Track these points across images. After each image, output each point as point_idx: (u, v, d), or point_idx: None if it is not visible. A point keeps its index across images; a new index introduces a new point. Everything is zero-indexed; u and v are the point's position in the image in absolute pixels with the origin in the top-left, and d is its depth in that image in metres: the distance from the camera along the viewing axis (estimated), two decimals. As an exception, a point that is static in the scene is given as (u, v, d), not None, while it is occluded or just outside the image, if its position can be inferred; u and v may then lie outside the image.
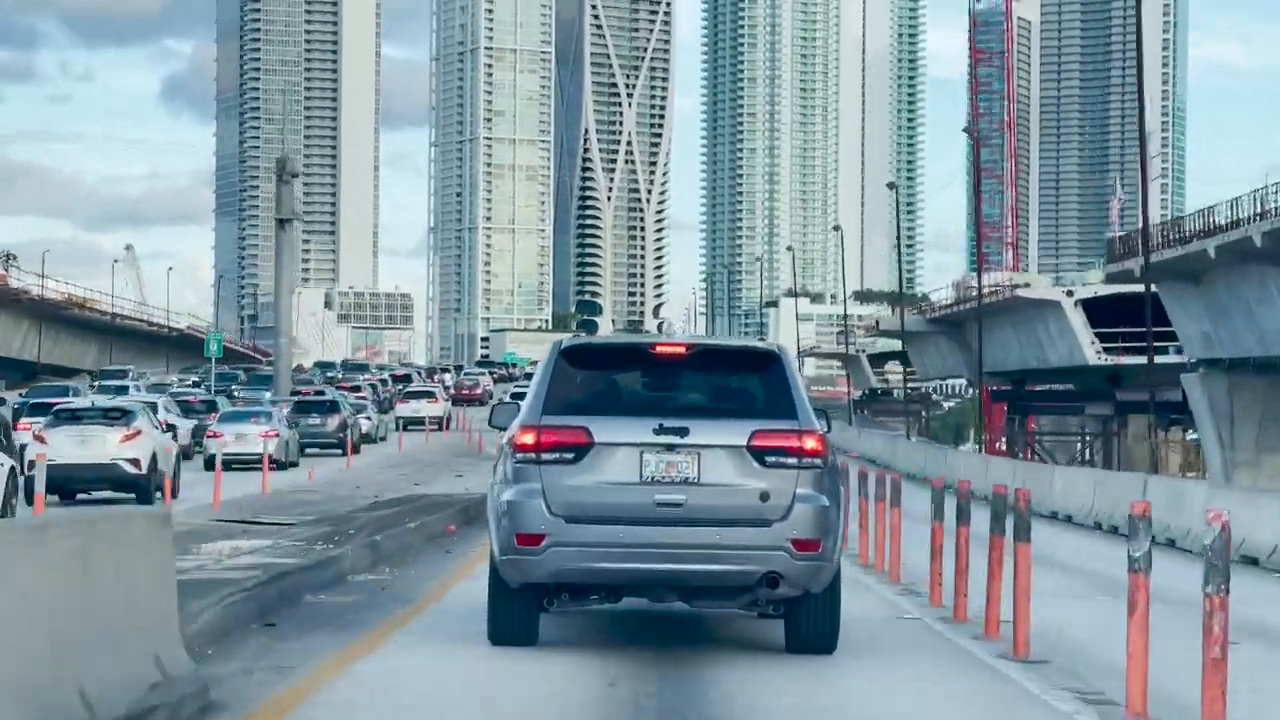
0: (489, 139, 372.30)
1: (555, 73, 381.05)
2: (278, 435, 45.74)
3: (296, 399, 57.89)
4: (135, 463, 31.89)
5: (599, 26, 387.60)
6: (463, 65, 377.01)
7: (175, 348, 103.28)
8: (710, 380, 13.13)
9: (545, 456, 12.31)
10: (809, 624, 12.94)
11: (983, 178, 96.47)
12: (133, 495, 32.09)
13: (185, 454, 44.59)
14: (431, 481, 40.53)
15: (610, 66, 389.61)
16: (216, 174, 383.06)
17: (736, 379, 13.12)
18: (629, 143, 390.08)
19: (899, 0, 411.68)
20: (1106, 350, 76.97)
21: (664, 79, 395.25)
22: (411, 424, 70.09)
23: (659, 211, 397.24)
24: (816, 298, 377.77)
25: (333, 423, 53.88)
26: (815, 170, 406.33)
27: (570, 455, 12.30)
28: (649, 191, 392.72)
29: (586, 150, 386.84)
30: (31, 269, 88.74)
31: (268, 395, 67.16)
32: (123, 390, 58.94)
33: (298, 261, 62.53)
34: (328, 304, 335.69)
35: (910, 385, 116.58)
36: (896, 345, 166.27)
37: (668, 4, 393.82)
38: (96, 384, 68.48)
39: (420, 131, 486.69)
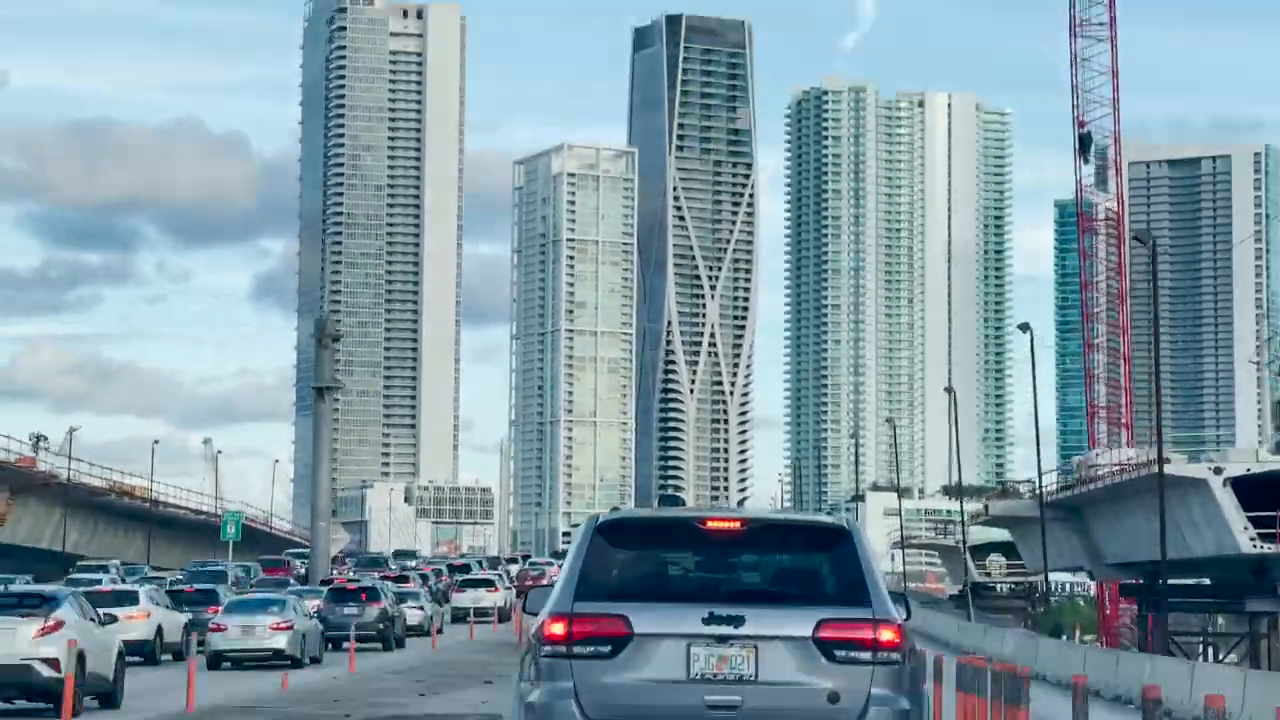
0: (570, 331, 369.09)
1: (637, 265, 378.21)
2: (291, 627, 39.56)
3: (329, 587, 50.86)
4: (52, 663, 24.56)
5: (681, 218, 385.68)
6: (544, 257, 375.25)
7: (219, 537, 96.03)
8: (770, 561, 11.39)
9: (578, 649, 10.78)
10: None
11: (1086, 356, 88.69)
12: (49, 704, 25.16)
13: (177, 651, 40.40)
14: (450, 689, 31.77)
15: (693, 258, 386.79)
16: (297, 369, 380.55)
17: (800, 559, 11.35)
18: (712, 335, 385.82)
19: (985, 193, 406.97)
20: (1262, 537, 66.16)
21: (747, 271, 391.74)
22: (474, 614, 64.36)
23: (743, 403, 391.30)
24: (904, 492, 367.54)
25: (372, 612, 47.84)
26: (901, 363, 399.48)
27: (607, 648, 10.76)
28: (732, 383, 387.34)
29: (669, 342, 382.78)
30: (127, 468, 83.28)
31: (291, 583, 62.82)
32: (96, 580, 52.41)
33: (328, 430, 56.23)
34: (407, 499, 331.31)
35: (1014, 580, 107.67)
36: (999, 535, 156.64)
37: (751, 196, 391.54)
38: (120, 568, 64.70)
39: (502, 327, 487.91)
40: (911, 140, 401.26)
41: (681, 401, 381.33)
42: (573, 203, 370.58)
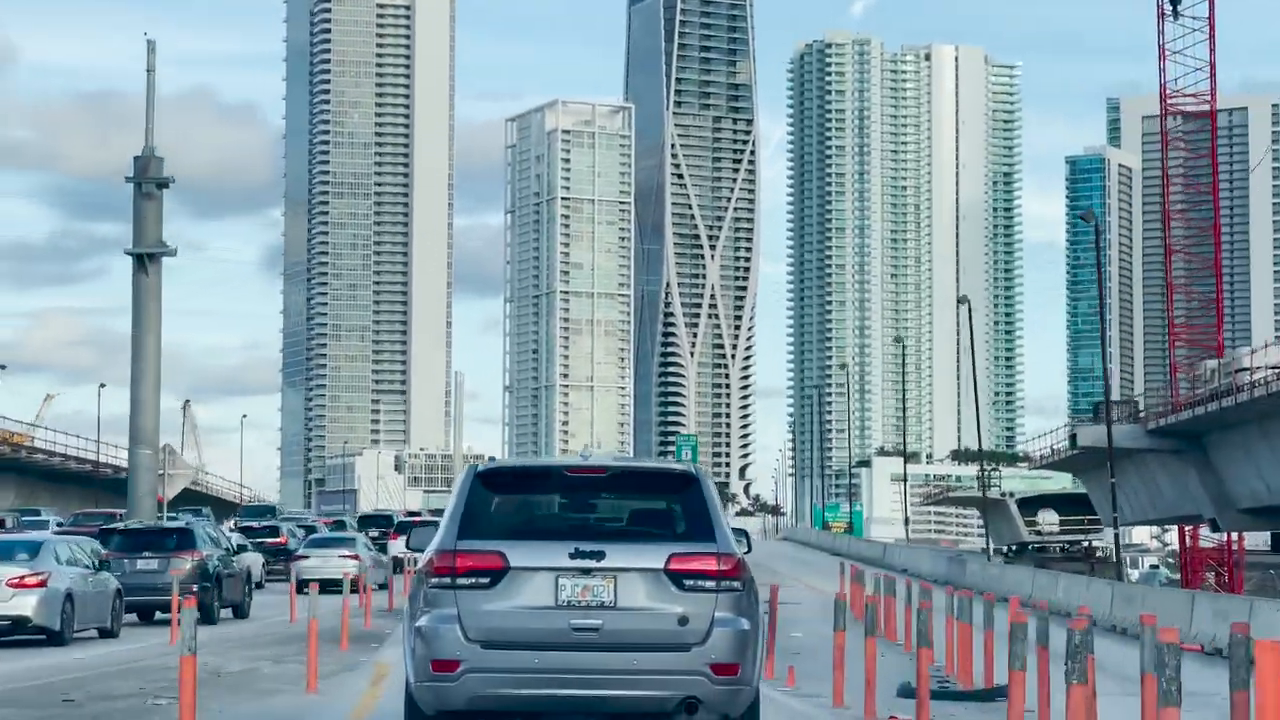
0: (566, 293, 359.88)
1: (635, 225, 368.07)
2: (44, 584, 28.30)
3: (115, 530, 37.63)
4: None
5: (680, 176, 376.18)
6: (539, 217, 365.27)
7: (111, 490, 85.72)
8: (627, 503, 13.15)
9: (461, 581, 12.36)
10: None
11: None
12: None
13: None
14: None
15: (693, 218, 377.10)
16: (283, 337, 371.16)
17: (654, 501, 13.05)
18: (712, 297, 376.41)
19: (993, 149, 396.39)
20: None
21: (749, 231, 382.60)
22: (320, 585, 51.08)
23: (745, 368, 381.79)
24: (911, 457, 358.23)
25: (182, 566, 34.59)
26: (908, 325, 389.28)
27: (486, 580, 12.36)
28: (734, 347, 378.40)
29: (668, 305, 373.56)
30: (121, 439, 74.60)
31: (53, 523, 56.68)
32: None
33: (159, 308, 45.16)
34: (398, 466, 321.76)
35: (1070, 539, 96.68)
36: (1053, 487, 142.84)
37: (752, 154, 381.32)
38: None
39: (495, 297, 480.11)
40: (918, 95, 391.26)
41: (682, 366, 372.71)
42: (567, 161, 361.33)
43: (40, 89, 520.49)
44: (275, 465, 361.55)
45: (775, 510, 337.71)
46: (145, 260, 49.39)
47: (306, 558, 49.29)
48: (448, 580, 12.38)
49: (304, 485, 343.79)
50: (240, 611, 37.94)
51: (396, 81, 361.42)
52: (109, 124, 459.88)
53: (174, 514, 59.27)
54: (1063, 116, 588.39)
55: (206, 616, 33.70)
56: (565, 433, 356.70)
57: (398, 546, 55.78)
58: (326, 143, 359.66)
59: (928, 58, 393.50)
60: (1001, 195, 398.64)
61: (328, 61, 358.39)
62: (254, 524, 63.61)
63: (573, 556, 12.36)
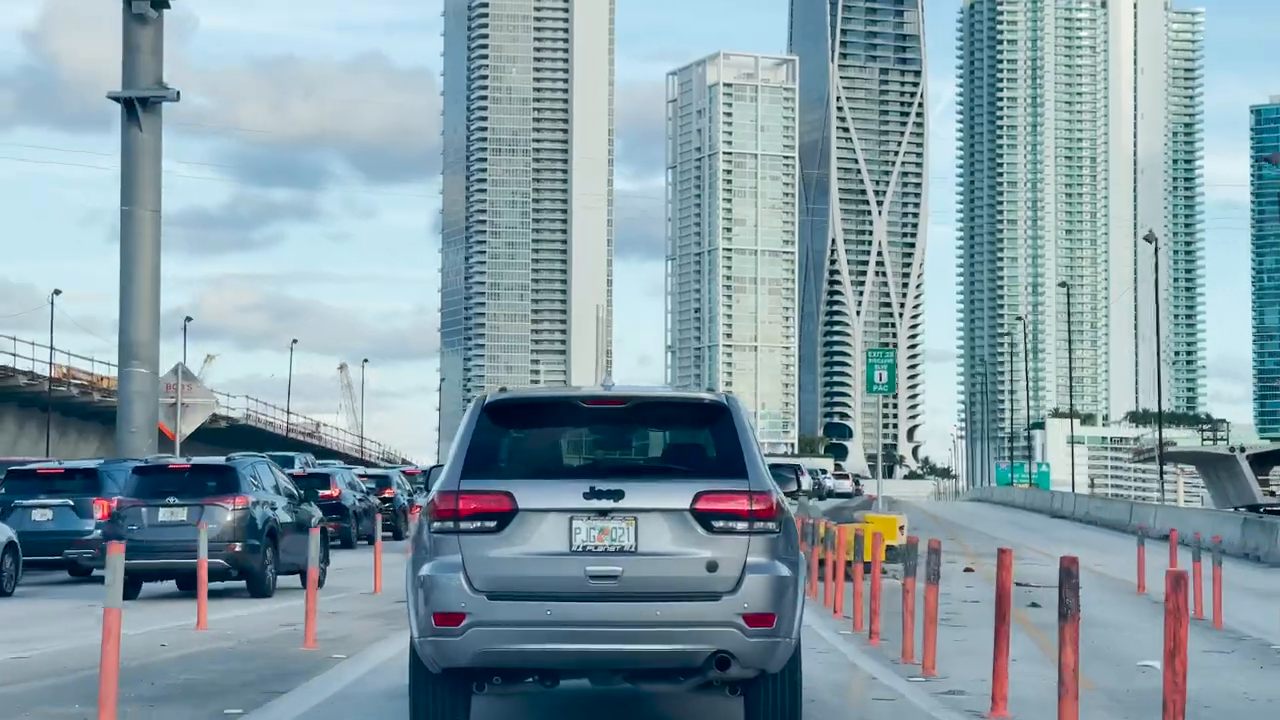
0: (729, 250, 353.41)
1: (799, 180, 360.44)
2: None
3: (140, 468, 27.79)
4: None
5: (845, 130, 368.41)
6: (700, 173, 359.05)
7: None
8: (651, 437, 12.23)
9: (465, 525, 11.09)
10: (768, 706, 11.69)
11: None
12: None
13: None
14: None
15: (859, 173, 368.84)
16: (442, 300, 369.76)
17: (680, 435, 11.97)
18: (879, 255, 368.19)
19: (1173, 99, 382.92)
20: None
21: (917, 186, 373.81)
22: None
23: (913, 327, 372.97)
24: (1087, 419, 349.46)
25: (219, 517, 26.03)
26: (1083, 284, 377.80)
27: (493, 523, 11.06)
28: (902, 306, 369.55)
29: (834, 264, 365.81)
30: (301, 405, 68.23)
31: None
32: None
33: (158, 173, 37.04)
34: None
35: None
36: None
37: (920, 106, 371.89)
38: None
39: (656, 259, 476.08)
40: (1094, 44, 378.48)
41: (848, 326, 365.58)
42: (730, 115, 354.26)
43: (216, 56, 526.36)
44: (434, 428, 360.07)
45: (946, 473, 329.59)
46: (138, 107, 38.20)
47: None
48: (451, 524, 11.12)
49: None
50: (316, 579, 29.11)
51: (555, 36, 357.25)
52: (285, 90, 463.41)
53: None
54: (1246, 65, 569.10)
55: (256, 587, 26.23)
56: (728, 387, 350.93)
57: None
58: (484, 100, 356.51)
59: (1104, 5, 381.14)
60: (1182, 147, 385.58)
61: (485, 17, 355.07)
62: (297, 470, 46.78)
63: (588, 496, 11.05)
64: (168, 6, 38.63)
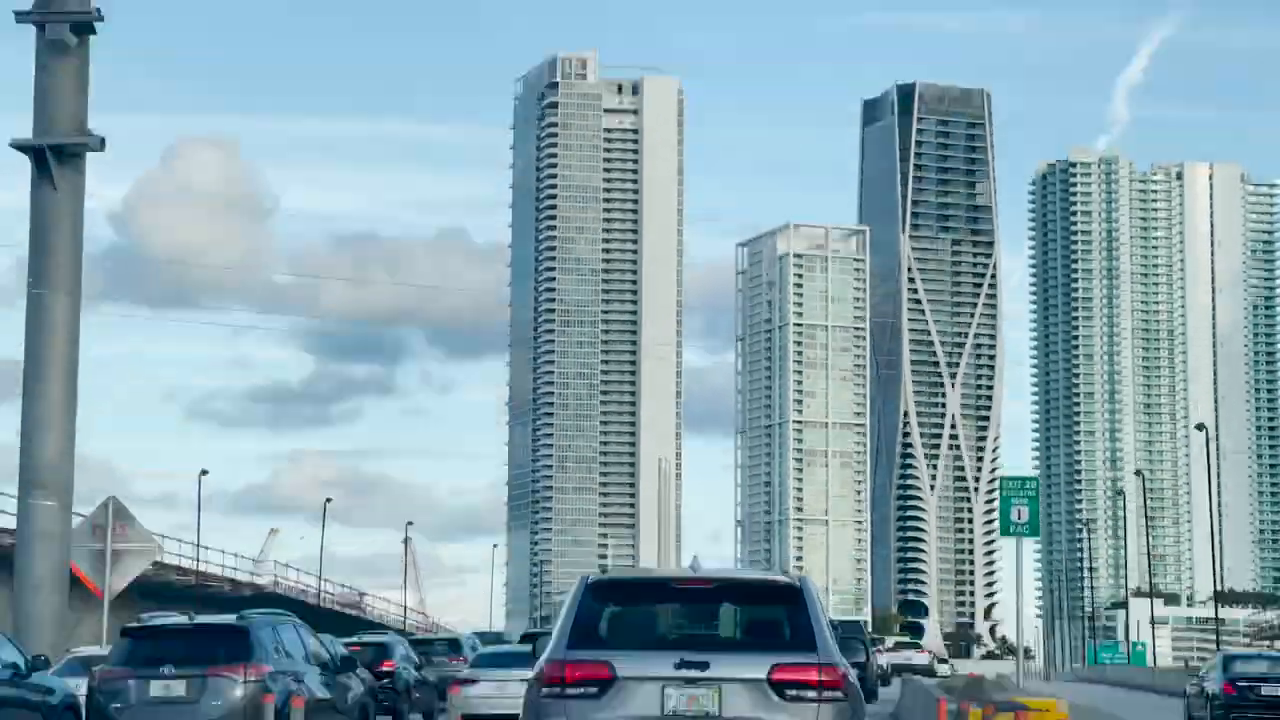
0: (799, 423, 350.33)
1: (870, 352, 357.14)
2: None
3: (132, 629, 22.58)
4: None
5: (917, 301, 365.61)
6: (770, 344, 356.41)
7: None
8: (732, 614, 13.58)
9: (570, 690, 12.80)
10: None
11: None
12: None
13: None
14: None
15: (931, 344, 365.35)
16: (509, 477, 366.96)
17: (759, 612, 13.51)
18: (953, 427, 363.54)
19: (1252, 272, 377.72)
20: None
21: (990, 358, 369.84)
22: None
23: (989, 502, 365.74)
24: (1171, 599, 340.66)
25: (225, 691, 20.98)
26: (1164, 460, 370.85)
27: (595, 689, 12.77)
28: (976, 480, 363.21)
29: (906, 436, 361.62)
30: (373, 584, 64.60)
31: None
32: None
33: (78, 240, 23.80)
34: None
35: None
36: None
37: (993, 277, 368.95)
38: None
39: (725, 435, 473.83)
40: (1170, 216, 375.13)
41: (921, 500, 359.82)
42: (800, 286, 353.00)
43: (297, 234, 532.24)
44: (502, 604, 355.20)
45: (1026, 653, 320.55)
46: (50, 159, 29.97)
47: (474, 682, 34.35)
48: (558, 690, 12.81)
49: (530, 623, 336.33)
50: None
51: (625, 208, 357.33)
52: (363, 267, 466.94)
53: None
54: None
55: None
56: (800, 568, 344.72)
57: None
58: (552, 271, 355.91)
59: (1179, 176, 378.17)
60: (1263, 320, 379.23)
61: (554, 190, 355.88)
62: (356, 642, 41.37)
63: (678, 666, 12.73)
64: (93, 32, 30.76)
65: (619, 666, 12.67)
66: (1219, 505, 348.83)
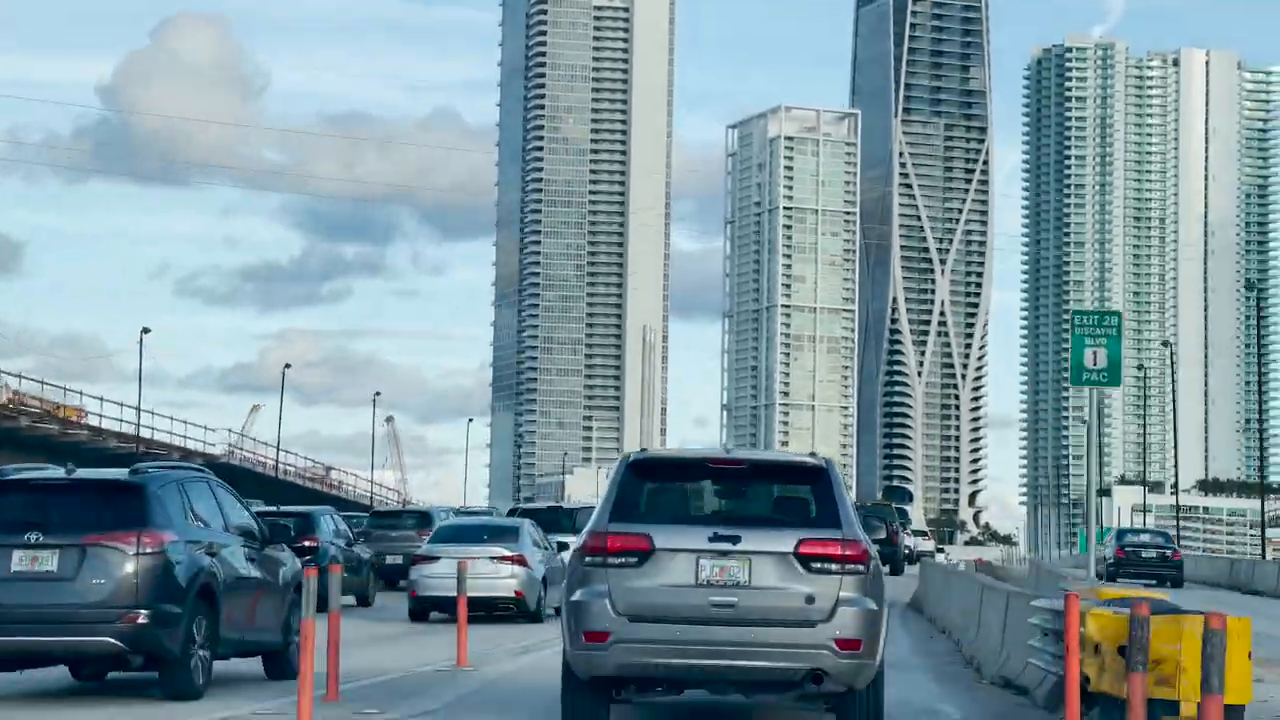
0: (787, 307, 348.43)
1: (860, 236, 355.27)
2: None
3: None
4: None
5: (908, 186, 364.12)
6: (759, 227, 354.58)
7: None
8: (763, 492, 14.55)
9: (611, 560, 13.65)
10: (856, 718, 14.20)
11: None
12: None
13: None
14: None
15: (921, 230, 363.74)
16: (494, 358, 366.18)
17: (787, 490, 14.51)
18: (942, 314, 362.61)
19: (1246, 160, 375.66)
20: None
21: (981, 245, 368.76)
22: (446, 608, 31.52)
23: (975, 391, 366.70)
24: (1155, 487, 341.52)
25: (116, 570, 16.33)
26: (1152, 349, 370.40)
27: (634, 559, 13.64)
28: (964, 368, 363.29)
29: (895, 322, 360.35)
30: (357, 463, 62.74)
31: None
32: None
33: None
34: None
35: None
36: None
37: (985, 163, 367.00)
38: None
39: (712, 318, 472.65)
40: (1165, 103, 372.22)
41: (908, 387, 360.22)
42: (790, 169, 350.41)
43: (288, 113, 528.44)
44: (485, 485, 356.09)
45: (1008, 540, 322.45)
46: None
47: (433, 559, 31.46)
48: (600, 559, 13.65)
49: (512, 504, 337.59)
50: (279, 666, 18.99)
51: (614, 87, 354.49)
52: (354, 147, 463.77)
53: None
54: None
55: (174, 682, 16.71)
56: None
57: None
58: (540, 151, 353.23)
59: (1175, 63, 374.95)
60: (1256, 209, 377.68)
61: (543, 69, 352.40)
62: (270, 508, 38.11)
63: (712, 540, 13.63)
64: None
65: (657, 539, 13.58)
66: (1204, 401, 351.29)
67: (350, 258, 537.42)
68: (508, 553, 31.74)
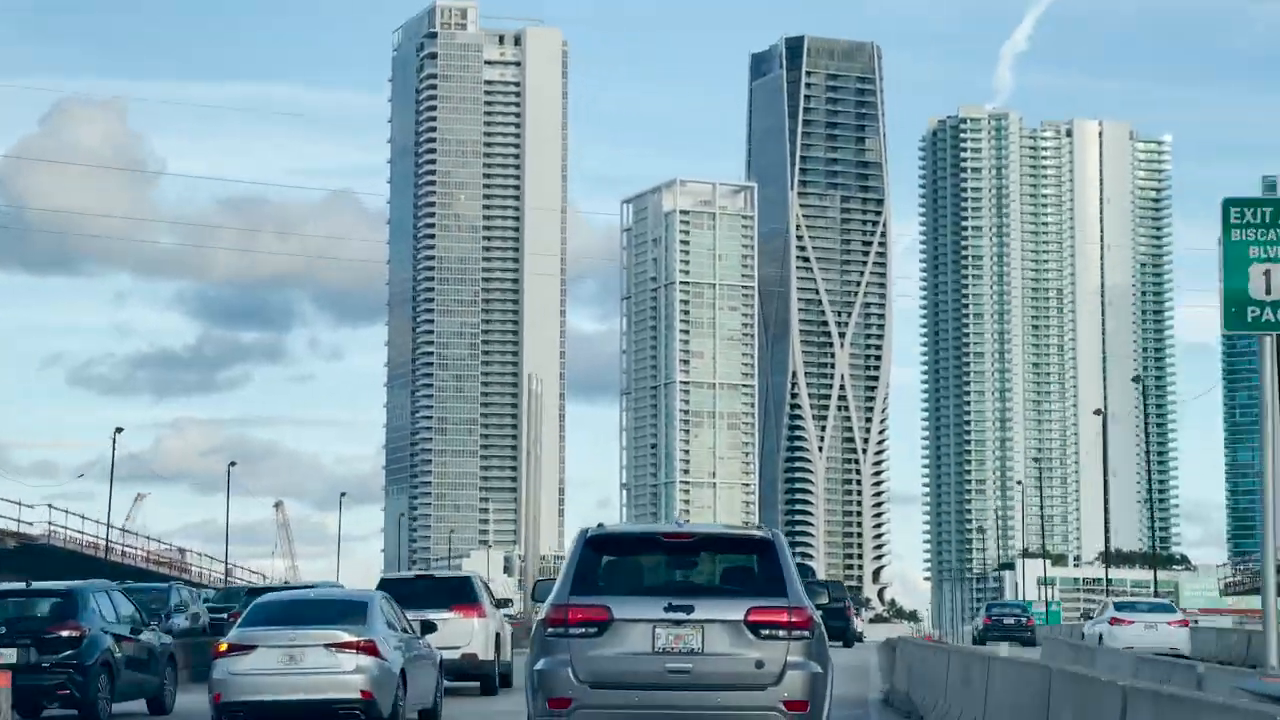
0: (686, 384, 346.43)
1: (759, 311, 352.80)
2: None
3: None
4: None
5: (806, 259, 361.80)
6: (656, 303, 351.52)
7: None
8: (713, 563, 15.59)
9: (573, 630, 14.66)
10: None
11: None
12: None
13: None
14: None
15: (820, 304, 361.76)
16: (386, 445, 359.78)
17: (736, 561, 15.51)
18: (842, 388, 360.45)
19: (1141, 229, 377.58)
20: None
21: (880, 317, 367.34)
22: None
23: (878, 464, 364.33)
24: (1058, 559, 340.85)
25: None
26: (1052, 421, 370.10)
27: (594, 630, 14.65)
28: (865, 442, 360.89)
29: (795, 396, 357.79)
30: (247, 552, 57.68)
31: None
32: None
33: None
34: (506, 568, 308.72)
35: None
36: None
37: (883, 235, 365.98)
38: None
39: (610, 395, 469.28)
40: (1060, 173, 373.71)
41: (810, 462, 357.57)
42: (686, 243, 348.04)
43: (183, 198, 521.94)
44: (378, 570, 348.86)
45: (913, 616, 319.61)
46: None
47: (244, 650, 22.52)
48: (562, 630, 14.66)
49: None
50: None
51: (506, 163, 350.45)
52: (250, 233, 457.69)
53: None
54: (1216, 185, 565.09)
55: None
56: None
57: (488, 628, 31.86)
58: (431, 227, 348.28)
59: (1069, 134, 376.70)
60: (1151, 279, 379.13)
61: (433, 143, 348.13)
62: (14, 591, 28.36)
63: (667, 610, 14.65)
64: None
65: (615, 610, 14.54)
66: (1105, 476, 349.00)
67: (248, 344, 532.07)
68: (351, 638, 22.57)
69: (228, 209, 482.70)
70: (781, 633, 14.53)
